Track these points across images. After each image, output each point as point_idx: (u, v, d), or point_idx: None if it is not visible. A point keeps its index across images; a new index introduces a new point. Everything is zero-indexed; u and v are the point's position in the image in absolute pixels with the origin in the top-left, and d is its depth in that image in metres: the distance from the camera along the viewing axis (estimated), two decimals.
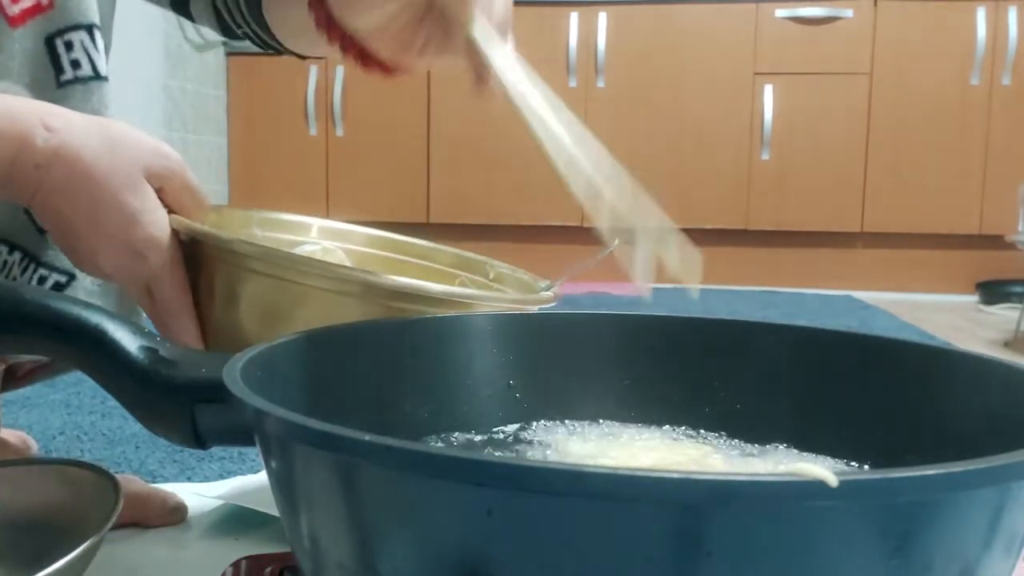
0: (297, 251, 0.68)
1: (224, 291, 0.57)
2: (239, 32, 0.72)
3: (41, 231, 0.65)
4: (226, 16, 0.71)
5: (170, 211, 0.57)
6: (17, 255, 0.64)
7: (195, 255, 0.58)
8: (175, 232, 0.56)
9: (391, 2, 0.52)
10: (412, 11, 0.53)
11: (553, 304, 0.62)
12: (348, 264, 0.70)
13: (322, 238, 0.74)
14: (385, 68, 0.57)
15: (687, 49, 2.93)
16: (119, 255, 0.55)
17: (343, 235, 0.76)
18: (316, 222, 0.75)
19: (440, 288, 0.55)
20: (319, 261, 0.56)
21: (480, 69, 0.51)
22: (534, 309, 0.61)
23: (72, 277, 0.66)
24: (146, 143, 0.56)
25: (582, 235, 2.92)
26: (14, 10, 0.61)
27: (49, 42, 0.63)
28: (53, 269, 0.66)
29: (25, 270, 0.65)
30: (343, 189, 3.14)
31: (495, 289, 0.72)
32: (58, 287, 0.66)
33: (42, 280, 0.65)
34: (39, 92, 0.63)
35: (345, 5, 0.54)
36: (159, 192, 0.56)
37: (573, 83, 2.96)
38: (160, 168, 0.56)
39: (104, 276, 0.57)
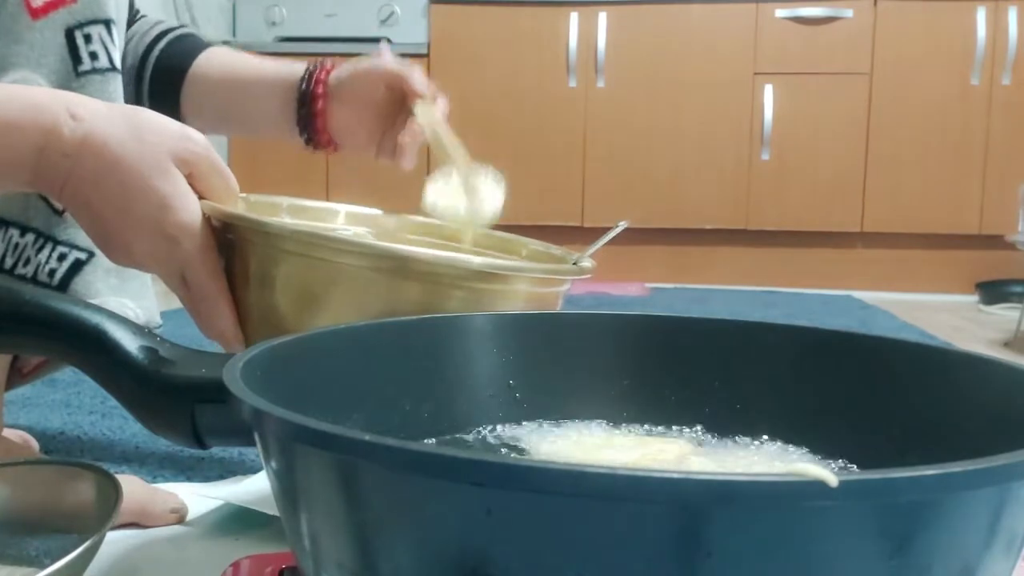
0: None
1: (258, 274, 0.56)
2: None
3: (56, 211, 0.65)
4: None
5: (200, 196, 0.56)
6: (30, 236, 0.65)
7: (227, 240, 0.57)
8: (206, 217, 0.56)
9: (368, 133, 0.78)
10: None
11: (589, 276, 0.62)
12: None
13: (350, 223, 0.73)
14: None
15: (687, 49, 2.93)
16: (152, 242, 0.55)
17: (372, 220, 0.75)
18: (343, 208, 0.75)
19: (477, 260, 0.54)
20: (353, 239, 0.55)
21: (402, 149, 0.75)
22: (568, 283, 0.61)
23: (92, 254, 0.67)
24: (172, 128, 0.56)
25: (582, 235, 2.91)
26: (38, 2, 0.62)
27: (69, 34, 0.64)
28: (73, 247, 0.66)
29: (41, 249, 0.65)
30: (343, 189, 3.13)
31: None
32: (78, 264, 0.66)
33: (62, 257, 0.66)
34: (57, 81, 0.64)
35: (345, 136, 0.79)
36: (188, 177, 0.56)
37: (573, 83, 2.96)
38: (187, 153, 0.56)
39: (137, 265, 0.57)
